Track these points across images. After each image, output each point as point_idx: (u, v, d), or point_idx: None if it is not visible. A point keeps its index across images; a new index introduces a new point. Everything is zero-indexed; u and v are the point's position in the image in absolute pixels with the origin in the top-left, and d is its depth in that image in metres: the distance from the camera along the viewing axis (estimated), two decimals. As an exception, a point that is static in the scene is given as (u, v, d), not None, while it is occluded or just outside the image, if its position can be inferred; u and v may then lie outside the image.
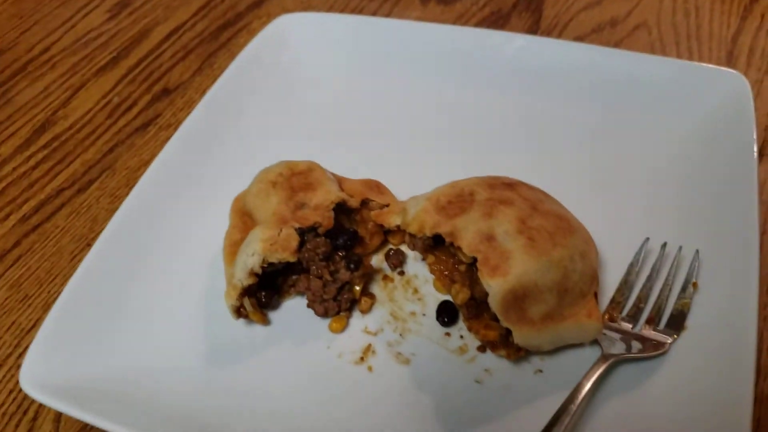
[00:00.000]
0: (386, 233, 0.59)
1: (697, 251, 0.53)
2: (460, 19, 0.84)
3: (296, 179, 0.57)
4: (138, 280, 0.57)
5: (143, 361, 0.53)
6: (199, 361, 0.53)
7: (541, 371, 0.51)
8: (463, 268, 0.53)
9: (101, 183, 0.69)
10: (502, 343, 0.50)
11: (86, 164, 0.71)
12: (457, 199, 0.53)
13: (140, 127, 0.75)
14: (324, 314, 0.54)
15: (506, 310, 0.48)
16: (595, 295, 0.51)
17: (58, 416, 0.53)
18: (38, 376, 0.49)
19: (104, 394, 0.50)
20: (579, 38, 0.79)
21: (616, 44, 0.78)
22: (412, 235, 0.54)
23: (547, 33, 0.81)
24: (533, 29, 0.82)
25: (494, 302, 0.48)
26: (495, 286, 0.48)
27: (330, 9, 0.88)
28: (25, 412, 0.53)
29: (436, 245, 0.54)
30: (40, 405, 0.53)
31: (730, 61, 0.75)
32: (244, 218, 0.58)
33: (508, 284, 0.48)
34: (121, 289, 0.56)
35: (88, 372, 0.51)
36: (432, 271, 0.56)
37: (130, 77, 0.81)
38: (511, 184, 0.54)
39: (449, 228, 0.52)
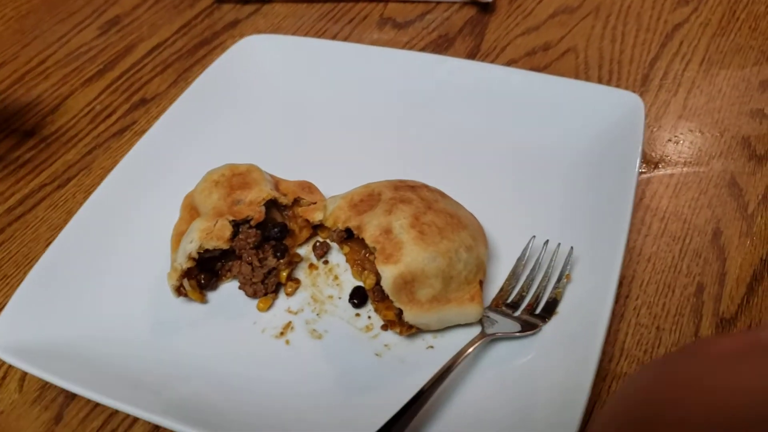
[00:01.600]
0: (315, 227, 0.68)
1: (572, 248, 0.61)
2: (411, 41, 0.93)
3: (236, 179, 0.66)
4: (99, 261, 0.66)
5: (99, 329, 0.62)
6: (146, 331, 0.62)
7: (432, 347, 0.60)
8: (372, 257, 0.62)
9: (78, 180, 0.79)
10: (398, 322, 0.59)
11: (67, 164, 0.81)
12: (368, 198, 0.62)
13: (117, 133, 0.85)
14: (253, 295, 0.63)
15: (397, 292, 0.57)
16: (480, 283, 0.60)
17: (24, 376, 0.62)
18: (5, 341, 0.59)
19: (63, 357, 0.59)
20: (512, 61, 0.88)
21: (545, 67, 0.87)
22: (329, 229, 0.63)
23: (485, 56, 0.89)
24: (474, 52, 0.90)
25: (386, 285, 0.57)
26: (387, 271, 0.56)
27: (296, 31, 0.97)
28: (-4, 372, 0.63)
29: (350, 238, 0.63)
30: (9, 366, 0.62)
31: (644, 84, 0.83)
32: (191, 212, 0.67)
33: (397, 270, 0.56)
34: (83, 268, 0.65)
35: (50, 338, 0.60)
36: (347, 260, 0.64)
37: (113, 87, 0.91)
38: (413, 187, 0.63)
39: (357, 222, 0.61)
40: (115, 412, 0.59)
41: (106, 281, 0.65)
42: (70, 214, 0.74)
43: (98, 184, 0.71)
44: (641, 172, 0.73)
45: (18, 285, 0.63)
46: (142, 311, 0.64)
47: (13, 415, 0.60)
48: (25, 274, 0.64)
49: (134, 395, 0.56)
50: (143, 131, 0.81)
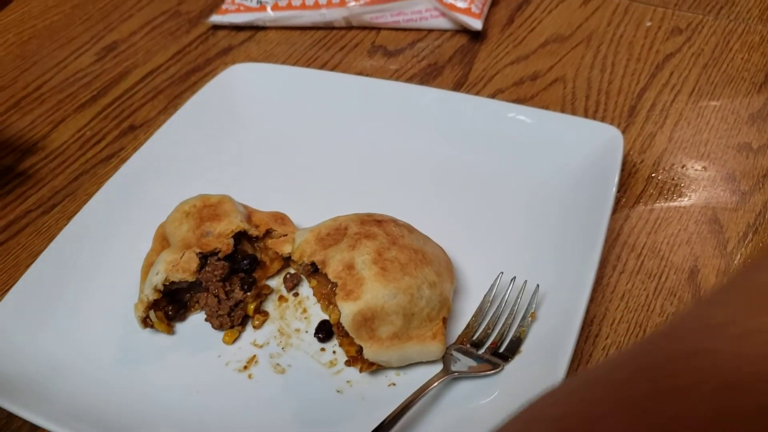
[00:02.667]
0: (287, 259, 0.68)
1: (538, 285, 0.60)
2: (400, 70, 0.93)
3: (207, 210, 0.66)
4: (71, 290, 0.67)
5: (66, 359, 0.62)
6: (113, 362, 0.62)
7: (394, 384, 0.59)
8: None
9: (63, 207, 0.80)
10: (359, 358, 0.59)
11: (53, 190, 0.82)
12: (335, 232, 0.62)
13: (104, 159, 0.86)
14: (219, 327, 0.63)
15: (357, 329, 0.56)
16: (444, 320, 0.59)
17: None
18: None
19: (30, 386, 0.59)
20: (499, 90, 0.87)
21: (532, 97, 0.86)
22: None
23: (473, 85, 0.89)
24: (461, 81, 0.90)
25: (346, 321, 0.56)
26: (346, 308, 0.56)
27: (288, 58, 0.97)
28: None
29: (317, 271, 0.63)
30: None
31: (631, 115, 0.82)
32: (162, 242, 0.67)
33: (357, 306, 0.56)
34: (56, 297, 0.66)
35: (18, 366, 0.61)
36: (314, 294, 0.64)
37: (104, 114, 0.92)
38: (380, 221, 0.62)
39: (322, 257, 0.60)
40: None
41: (76, 311, 0.66)
42: (51, 240, 0.74)
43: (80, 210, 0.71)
44: (620, 207, 0.72)
45: (-7, 311, 0.63)
46: (110, 341, 0.64)
47: (-22, 444, 0.60)
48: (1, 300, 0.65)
49: (96, 428, 0.56)
50: (129, 158, 0.81)
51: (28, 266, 0.70)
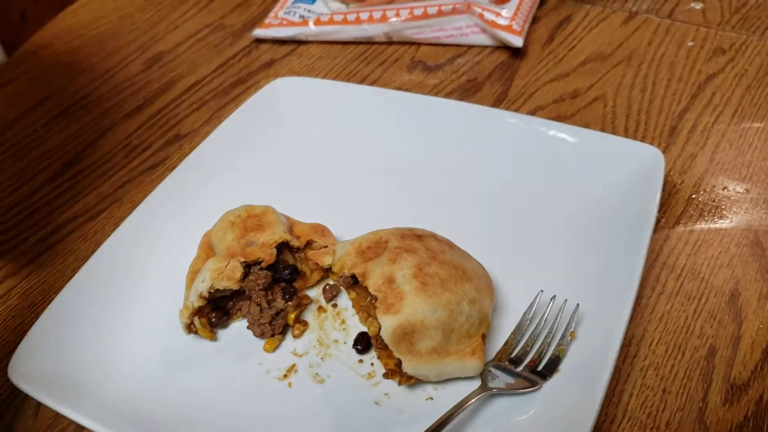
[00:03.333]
0: (326, 270, 0.69)
1: (578, 305, 0.61)
2: (439, 85, 0.94)
3: (251, 221, 0.68)
4: (116, 296, 0.68)
5: (112, 362, 0.64)
6: (156, 366, 0.64)
7: (432, 398, 0.59)
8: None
9: (109, 213, 0.82)
10: (397, 371, 0.59)
11: (100, 196, 0.84)
12: (375, 245, 0.63)
13: (150, 167, 0.88)
14: (260, 335, 0.65)
15: (397, 343, 0.57)
16: (483, 336, 0.60)
17: (39, 404, 0.64)
18: (24, 369, 0.61)
19: (76, 388, 0.61)
20: (539, 107, 0.88)
21: (571, 115, 0.86)
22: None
23: (513, 102, 0.90)
24: (501, 97, 0.91)
25: (386, 335, 0.57)
26: (387, 321, 0.57)
27: (329, 72, 0.99)
28: (16, 397, 0.65)
29: (357, 284, 0.64)
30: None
31: (672, 135, 0.82)
32: (207, 251, 0.69)
33: (397, 320, 0.57)
34: (102, 302, 0.67)
35: (65, 368, 0.62)
36: (354, 306, 0.65)
37: (150, 123, 0.95)
38: (420, 236, 0.63)
39: (362, 269, 0.61)
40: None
41: (122, 315, 0.67)
42: (97, 246, 0.76)
43: (127, 216, 0.73)
44: (660, 228, 0.72)
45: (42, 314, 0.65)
46: (154, 346, 0.65)
47: (26, 442, 0.62)
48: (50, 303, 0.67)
49: (139, 429, 0.58)
50: (174, 167, 0.83)
51: (74, 271, 0.72)
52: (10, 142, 0.94)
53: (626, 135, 0.82)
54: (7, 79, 1.06)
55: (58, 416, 0.63)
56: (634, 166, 0.70)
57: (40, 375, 0.61)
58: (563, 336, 0.60)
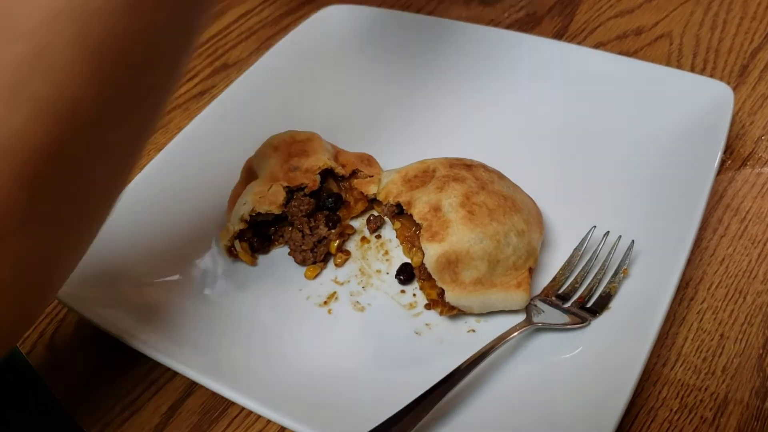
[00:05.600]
0: (371, 201, 0.67)
1: (633, 241, 0.58)
2: (496, 19, 0.90)
3: (295, 146, 0.66)
4: (160, 219, 0.67)
5: (153, 278, 0.63)
6: (195, 286, 0.63)
7: (474, 330, 0.58)
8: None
9: (155, 139, 0.81)
10: (440, 301, 0.57)
11: (147, 123, 0.84)
12: (422, 174, 0.61)
13: (197, 95, 0.87)
14: (302, 262, 0.63)
15: (440, 272, 0.55)
16: (530, 270, 0.57)
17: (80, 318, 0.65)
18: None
19: (116, 306, 0.62)
20: (600, 44, 0.83)
21: (635, 52, 0.82)
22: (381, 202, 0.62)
23: (573, 37, 0.85)
24: (561, 33, 0.86)
25: (429, 263, 0.55)
26: (431, 249, 0.55)
27: (382, 2, 0.96)
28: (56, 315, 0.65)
29: (402, 213, 0.62)
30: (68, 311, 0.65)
31: (742, 75, 0.77)
32: (249, 176, 0.68)
33: (441, 248, 0.55)
34: (144, 224, 0.67)
35: (106, 290, 0.62)
36: (398, 236, 0.63)
37: (198, 51, 0.93)
38: (470, 165, 0.61)
39: (408, 198, 0.59)
40: (158, 364, 0.60)
41: (164, 238, 0.67)
42: (140, 170, 0.76)
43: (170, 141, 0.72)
44: (725, 169, 0.68)
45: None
46: (195, 268, 0.65)
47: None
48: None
49: (179, 351, 0.57)
50: (220, 95, 0.82)
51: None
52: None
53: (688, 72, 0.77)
54: None
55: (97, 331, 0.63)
56: (700, 102, 0.66)
57: (85, 292, 0.61)
58: (616, 273, 0.57)
